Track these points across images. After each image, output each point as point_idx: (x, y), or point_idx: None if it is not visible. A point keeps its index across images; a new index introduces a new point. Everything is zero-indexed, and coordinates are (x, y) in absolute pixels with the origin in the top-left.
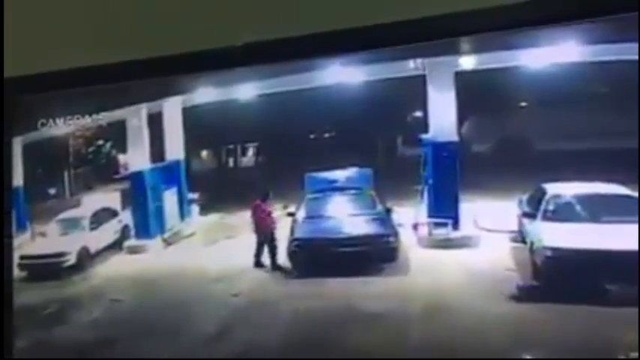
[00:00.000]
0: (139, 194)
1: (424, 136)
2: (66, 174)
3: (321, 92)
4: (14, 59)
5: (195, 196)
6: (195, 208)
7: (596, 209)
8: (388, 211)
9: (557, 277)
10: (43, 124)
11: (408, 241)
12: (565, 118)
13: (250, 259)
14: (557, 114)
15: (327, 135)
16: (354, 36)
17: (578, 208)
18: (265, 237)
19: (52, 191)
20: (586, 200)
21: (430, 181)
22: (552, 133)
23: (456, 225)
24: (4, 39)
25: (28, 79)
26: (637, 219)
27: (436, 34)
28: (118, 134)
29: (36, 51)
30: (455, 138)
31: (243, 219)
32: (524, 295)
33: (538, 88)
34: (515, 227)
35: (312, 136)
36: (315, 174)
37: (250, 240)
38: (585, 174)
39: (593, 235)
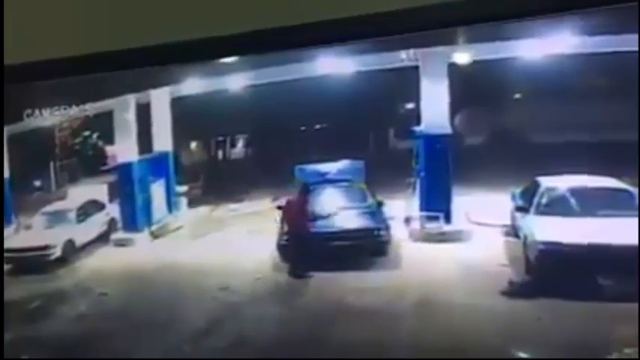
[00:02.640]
0: (126, 186)
1: (417, 129)
2: (52, 165)
3: (312, 83)
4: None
5: (183, 188)
6: (183, 201)
7: (591, 203)
8: (379, 204)
9: (551, 271)
10: (29, 115)
11: (399, 234)
12: (559, 111)
13: (239, 253)
14: (551, 106)
15: (318, 127)
16: (345, 26)
17: (572, 201)
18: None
19: (38, 183)
20: (580, 194)
21: (422, 174)
22: (546, 125)
23: (448, 218)
24: None
25: (13, 68)
26: (631, 213)
27: (430, 25)
28: (105, 125)
29: (22, 40)
30: (448, 130)
31: (232, 212)
32: (517, 289)
33: (533, 80)
34: (508, 221)
35: (302, 128)
36: (305, 166)
37: (239, 233)
38: (580, 167)
39: (588, 229)
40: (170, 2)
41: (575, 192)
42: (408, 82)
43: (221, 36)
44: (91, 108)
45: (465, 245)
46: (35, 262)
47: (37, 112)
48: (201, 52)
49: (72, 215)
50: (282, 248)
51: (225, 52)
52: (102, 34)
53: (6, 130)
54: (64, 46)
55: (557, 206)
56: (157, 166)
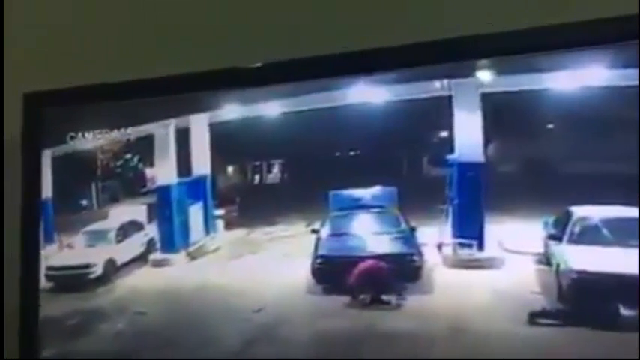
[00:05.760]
0: (165, 208)
1: (450, 157)
2: (94, 187)
3: (347, 111)
4: (45, 73)
5: (221, 211)
6: (220, 223)
7: (624, 233)
8: (412, 230)
9: (583, 300)
10: (72, 138)
11: (432, 260)
12: (592, 142)
13: (274, 275)
14: (584, 137)
15: (352, 153)
16: (380, 56)
17: (604, 231)
18: None
19: (80, 203)
20: (613, 223)
21: (455, 201)
22: (579, 155)
23: (480, 245)
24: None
25: (58, 92)
26: None
27: (463, 56)
28: (145, 149)
29: (67, 65)
30: (481, 159)
31: (267, 235)
32: (549, 317)
33: (565, 110)
34: (540, 249)
35: (337, 154)
36: (339, 192)
37: (274, 256)
38: (613, 197)
39: (620, 258)
40: (209, 30)
41: (608, 222)
42: (441, 111)
43: (259, 65)
44: (133, 132)
45: (498, 272)
46: (76, 280)
47: (80, 135)
48: (239, 80)
49: (112, 235)
50: (316, 272)
51: (262, 80)
52: (143, 61)
53: (50, 152)
54: (107, 72)
55: (589, 235)
56: (195, 189)
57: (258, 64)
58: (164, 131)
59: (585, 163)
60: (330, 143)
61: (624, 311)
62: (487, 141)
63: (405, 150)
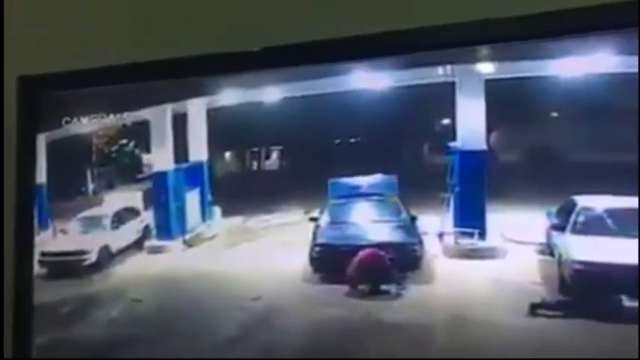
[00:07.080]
0: (161, 194)
1: (452, 144)
2: (89, 172)
3: (347, 97)
4: (39, 56)
5: (217, 198)
6: (217, 211)
7: (628, 223)
8: (413, 218)
9: (586, 292)
10: (67, 122)
11: (432, 249)
12: (597, 130)
13: (271, 263)
14: (589, 125)
15: (352, 140)
16: (382, 41)
17: (609, 221)
18: None
19: (75, 189)
20: (617, 214)
21: (457, 190)
22: (584, 144)
23: (482, 235)
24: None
25: (53, 76)
26: None
27: (466, 41)
28: (141, 134)
29: (61, 48)
30: (483, 147)
31: (265, 223)
32: (550, 308)
33: (570, 98)
34: (542, 239)
35: (336, 141)
36: (339, 179)
37: (271, 244)
38: (618, 187)
39: (625, 249)
40: (208, 14)
41: (613, 212)
42: (443, 97)
43: (258, 49)
44: (129, 117)
45: (499, 262)
46: (70, 267)
47: (75, 119)
48: (237, 64)
49: (107, 221)
50: (314, 260)
51: (260, 65)
52: (140, 45)
53: (45, 136)
54: (103, 56)
55: (593, 226)
56: (192, 175)
57: (257, 49)
58: (161, 116)
59: (590, 152)
60: (330, 130)
61: (627, 303)
62: (490, 128)
63: (406, 137)
